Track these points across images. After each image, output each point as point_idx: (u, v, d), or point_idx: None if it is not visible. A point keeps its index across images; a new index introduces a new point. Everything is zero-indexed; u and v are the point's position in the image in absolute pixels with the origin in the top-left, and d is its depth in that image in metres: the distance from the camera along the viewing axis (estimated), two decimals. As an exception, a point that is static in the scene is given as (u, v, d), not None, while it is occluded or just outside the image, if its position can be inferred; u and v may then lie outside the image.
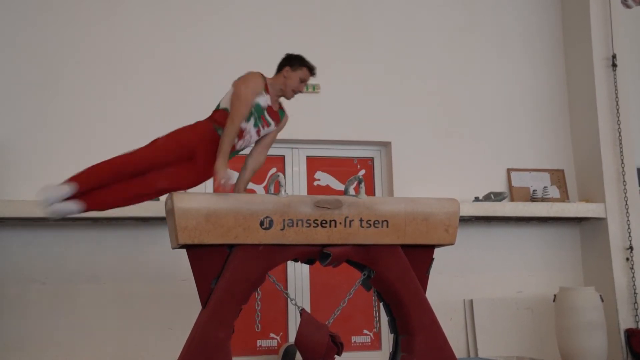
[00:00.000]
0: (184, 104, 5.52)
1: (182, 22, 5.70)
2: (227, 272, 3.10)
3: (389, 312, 3.48)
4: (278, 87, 3.71)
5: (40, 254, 5.08)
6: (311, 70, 3.77)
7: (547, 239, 6.17)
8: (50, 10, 5.45)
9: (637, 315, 5.74)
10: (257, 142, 3.77)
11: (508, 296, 5.94)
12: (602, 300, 5.50)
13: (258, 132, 3.64)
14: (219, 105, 3.67)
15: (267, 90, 3.63)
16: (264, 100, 3.60)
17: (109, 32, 5.53)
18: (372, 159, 6.06)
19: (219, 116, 3.58)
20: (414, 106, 6.03)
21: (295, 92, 3.74)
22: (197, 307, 3.18)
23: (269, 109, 3.65)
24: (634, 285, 5.79)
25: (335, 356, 3.23)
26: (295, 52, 5.89)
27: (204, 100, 5.55)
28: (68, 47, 5.44)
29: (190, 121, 5.75)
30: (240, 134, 3.54)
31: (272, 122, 3.69)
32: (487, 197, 5.77)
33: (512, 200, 6.02)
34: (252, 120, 3.57)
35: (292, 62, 3.75)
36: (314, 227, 3.21)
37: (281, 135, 5.76)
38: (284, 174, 5.69)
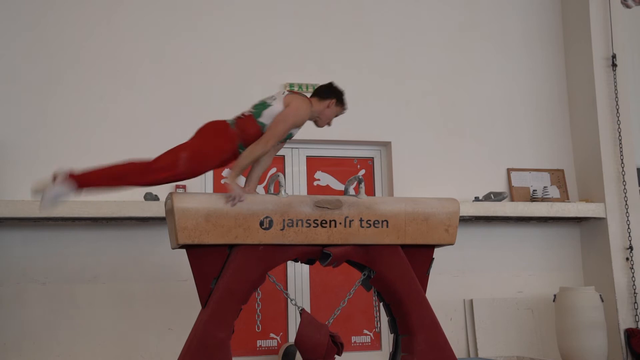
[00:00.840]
0: (184, 104, 5.53)
1: (183, 23, 5.70)
2: (227, 272, 3.10)
3: (389, 312, 3.48)
4: (316, 114, 3.63)
5: (39, 254, 5.08)
6: (345, 109, 3.75)
7: (547, 239, 6.17)
8: (50, 11, 5.45)
9: (637, 315, 5.74)
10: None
11: (508, 296, 5.94)
12: (602, 300, 5.50)
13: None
14: (259, 110, 3.48)
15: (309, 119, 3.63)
16: (297, 129, 3.58)
17: (109, 32, 5.53)
18: (372, 159, 6.05)
19: (249, 127, 3.43)
20: (413, 106, 6.03)
21: (327, 124, 3.71)
22: (197, 307, 3.18)
23: None
24: (634, 285, 5.79)
25: (336, 356, 3.23)
26: (295, 51, 5.92)
27: (204, 100, 5.58)
28: (68, 47, 5.43)
29: (189, 123, 5.75)
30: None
31: None
32: (487, 197, 5.77)
33: (512, 200, 6.02)
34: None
35: (338, 97, 3.69)
36: (314, 227, 3.21)
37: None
38: (284, 174, 5.69)
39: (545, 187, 6.06)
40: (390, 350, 3.50)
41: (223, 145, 3.39)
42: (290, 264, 5.46)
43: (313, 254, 3.31)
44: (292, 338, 5.44)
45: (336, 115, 3.70)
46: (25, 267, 5.04)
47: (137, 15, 5.61)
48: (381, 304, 3.53)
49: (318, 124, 3.69)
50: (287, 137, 3.55)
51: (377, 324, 5.74)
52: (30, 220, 4.93)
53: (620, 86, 6.11)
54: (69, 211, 4.83)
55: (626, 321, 5.73)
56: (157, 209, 4.92)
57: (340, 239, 3.25)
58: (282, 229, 3.16)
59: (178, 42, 5.65)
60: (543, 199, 5.96)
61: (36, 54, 5.36)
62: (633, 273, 5.82)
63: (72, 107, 5.35)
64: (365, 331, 5.75)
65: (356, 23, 6.06)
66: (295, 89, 5.75)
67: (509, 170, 6.17)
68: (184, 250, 3.17)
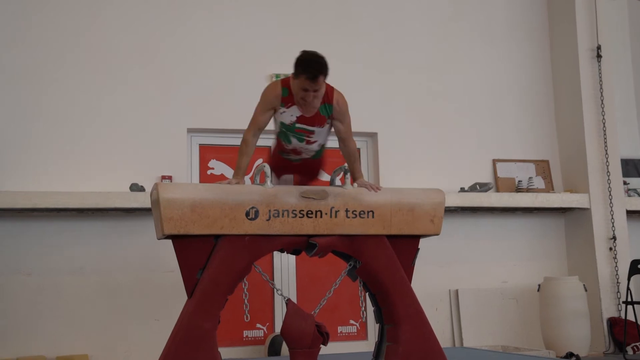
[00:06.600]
0: (173, 98, 5.52)
1: (172, 18, 5.68)
2: (213, 263, 3.09)
3: (374, 302, 3.48)
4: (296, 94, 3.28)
5: (24, 246, 5.04)
6: (308, 75, 3.13)
7: (532, 229, 6.21)
8: (46, 5, 5.39)
9: (619, 304, 5.80)
10: (338, 138, 3.56)
11: (493, 286, 5.98)
12: (586, 290, 5.56)
13: (308, 142, 3.43)
14: None
15: (288, 102, 3.28)
16: (288, 115, 3.31)
17: (102, 28, 5.50)
18: (358, 150, 6.05)
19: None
20: (400, 97, 6.03)
21: (305, 100, 3.23)
22: (183, 297, 3.17)
23: (302, 118, 3.32)
24: (617, 274, 5.85)
25: (321, 346, 3.24)
26: (280, 42, 5.87)
27: (197, 94, 5.56)
28: (61, 39, 5.38)
29: (179, 115, 5.72)
30: (296, 151, 3.47)
31: (316, 127, 3.38)
32: (473, 188, 5.80)
33: (497, 190, 6.05)
34: (293, 139, 3.39)
35: (295, 67, 3.18)
36: (299, 217, 3.21)
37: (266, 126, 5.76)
38: (270, 165, 5.67)
39: (530, 177, 6.10)
40: (376, 340, 3.52)
41: None
42: (276, 254, 5.47)
43: (299, 245, 3.31)
44: (278, 328, 5.45)
45: (304, 89, 3.17)
46: (9, 259, 5.01)
47: (127, 11, 5.57)
48: (367, 294, 3.54)
49: (299, 106, 3.29)
50: (287, 130, 3.36)
51: (363, 314, 5.76)
52: (15, 211, 4.90)
53: (604, 77, 6.15)
54: (53, 202, 4.80)
55: (609, 310, 5.80)
56: (142, 200, 4.90)
57: (326, 230, 3.25)
58: (268, 220, 3.16)
59: (167, 37, 5.63)
60: (528, 190, 6.00)
61: (26, 44, 5.31)
62: (616, 263, 5.88)
63: (60, 101, 5.31)
64: (351, 321, 5.77)
65: (342, 14, 6.05)
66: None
67: (494, 161, 6.20)
68: (169, 241, 3.16)
